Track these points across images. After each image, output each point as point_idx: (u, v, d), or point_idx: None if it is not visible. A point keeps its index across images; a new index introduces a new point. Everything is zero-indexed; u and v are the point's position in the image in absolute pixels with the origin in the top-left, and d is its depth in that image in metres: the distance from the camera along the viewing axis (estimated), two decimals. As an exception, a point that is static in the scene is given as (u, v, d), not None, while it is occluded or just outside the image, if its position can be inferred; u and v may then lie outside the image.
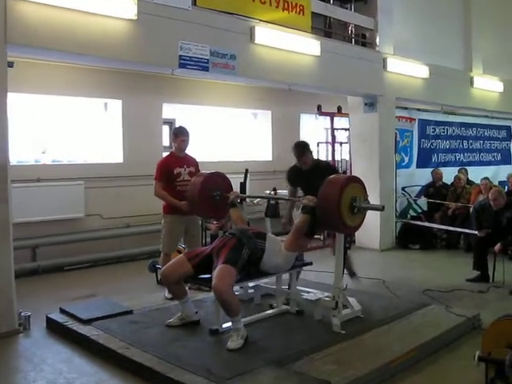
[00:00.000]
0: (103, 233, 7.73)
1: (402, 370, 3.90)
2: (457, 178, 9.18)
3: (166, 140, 8.62)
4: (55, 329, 4.65)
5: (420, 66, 9.24)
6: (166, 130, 8.74)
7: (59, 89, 7.45)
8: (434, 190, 9.28)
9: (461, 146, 10.63)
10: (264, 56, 6.86)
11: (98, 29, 5.27)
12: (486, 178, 8.68)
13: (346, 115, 9.25)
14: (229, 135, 9.91)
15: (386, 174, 8.63)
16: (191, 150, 5.88)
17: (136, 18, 5.50)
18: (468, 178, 9.48)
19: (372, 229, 7.99)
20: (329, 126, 9.67)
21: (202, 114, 9.43)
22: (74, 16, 5.08)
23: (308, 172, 5.43)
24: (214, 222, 6.62)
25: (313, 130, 11.02)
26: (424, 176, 9.61)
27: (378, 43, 8.74)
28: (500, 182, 10.14)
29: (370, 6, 8.65)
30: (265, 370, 3.63)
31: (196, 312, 4.58)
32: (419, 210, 9.47)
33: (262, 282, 5.09)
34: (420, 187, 9.61)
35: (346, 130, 9.55)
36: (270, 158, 10.23)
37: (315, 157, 9.94)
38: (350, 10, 8.80)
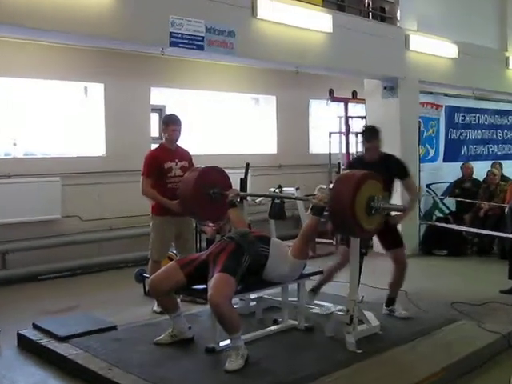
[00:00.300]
0: (83, 237, 7.73)
1: (426, 394, 3.89)
2: (490, 173, 9.16)
3: (154, 130, 8.62)
4: (28, 347, 4.64)
5: (448, 44, 9.22)
6: (154, 118, 8.74)
7: (31, 71, 7.45)
8: (464, 187, 9.26)
9: (495, 136, 10.61)
10: (267, 33, 6.84)
11: (76, 1, 5.26)
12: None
13: (362, 101, 9.25)
14: (227, 124, 9.91)
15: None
16: (184, 142, 5.88)
17: (120, -11, 5.50)
18: (503, 174, 9.46)
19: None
20: (342, 113, 9.66)
21: (197, 99, 9.43)
22: (49, -13, 5.09)
23: (374, 165, 5.08)
24: (210, 225, 6.63)
25: (324, 118, 11.01)
26: (452, 171, 9.59)
27: (399, 18, 8.72)
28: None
29: (390, -25, 8.68)
30: (268, 395, 3.63)
31: (189, 328, 4.57)
32: (446, 211, 9.46)
33: (266, 293, 5.08)
34: (447, 184, 9.59)
35: (361, 118, 9.55)
36: (274, 151, 10.24)
37: (327, 149, 10.12)
38: (367, -21, 8.82)
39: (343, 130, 9.72)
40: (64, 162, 7.72)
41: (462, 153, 9.96)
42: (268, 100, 10.32)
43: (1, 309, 5.71)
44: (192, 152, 5.89)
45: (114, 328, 4.84)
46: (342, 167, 9.63)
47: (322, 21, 7.39)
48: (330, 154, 10.08)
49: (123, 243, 7.96)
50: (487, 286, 6.54)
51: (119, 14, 5.57)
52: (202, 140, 9.25)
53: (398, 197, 7.58)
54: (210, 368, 4.08)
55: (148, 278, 5.27)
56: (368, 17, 8.73)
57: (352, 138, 9.61)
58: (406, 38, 8.63)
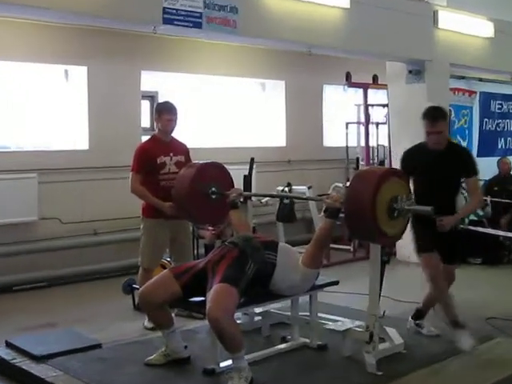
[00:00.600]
0: (63, 242, 7.75)
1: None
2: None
3: (145, 120, 8.64)
4: (0, 368, 4.64)
5: (482, 21, 9.20)
6: (145, 106, 8.76)
7: (3, 52, 7.46)
8: (501, 185, 9.25)
9: (537, 127, 10.60)
10: (275, 9, 6.85)
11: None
12: None
13: (384, 87, 9.24)
14: (229, 113, 9.92)
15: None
16: (179, 134, 5.89)
17: (106, -42, 5.52)
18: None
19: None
20: (361, 101, 9.65)
21: (194, 85, 9.44)
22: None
23: (439, 156, 4.95)
24: (209, 228, 6.64)
25: (340, 106, 11.01)
26: (487, 167, 9.54)
27: (426, -9, 8.72)
28: None
29: None
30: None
31: (185, 346, 4.57)
32: (481, 213, 9.43)
33: (273, 306, 5.08)
34: (482, 182, 9.57)
35: (383, 106, 9.56)
36: (283, 144, 10.26)
37: (343, 141, 10.11)
38: None
39: (362, 119, 9.72)
40: (41, 156, 7.72)
41: (499, 146, 9.96)
42: (276, 85, 10.32)
43: (-31, 324, 5.73)
44: (189, 145, 5.90)
45: (98, 346, 4.85)
46: (361, 163, 9.66)
47: (337, -6, 7.40)
48: (347, 147, 10.08)
49: (110, 249, 7.97)
50: (527, 299, 6.55)
51: (105, -13, 5.59)
52: (199, 131, 9.27)
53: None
54: (209, 392, 4.10)
55: (138, 289, 5.27)
56: (391, -10, 8.73)
57: (372, 128, 9.61)
58: (435, 15, 8.63)
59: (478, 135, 9.59)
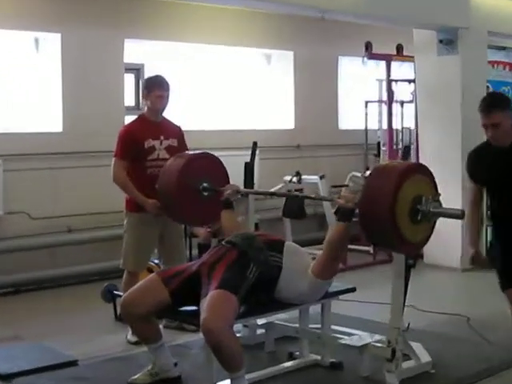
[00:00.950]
0: (32, 240, 7.75)
1: None
2: None
3: (130, 97, 8.65)
4: (-42, 388, 4.67)
5: (527, -18, 9.17)
6: (130, 80, 8.77)
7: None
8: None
9: None
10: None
11: None
12: None
13: (411, 59, 9.21)
14: (228, 90, 9.91)
15: (471, 152, 8.56)
16: (170, 114, 5.89)
17: None
18: None
19: (449, 237, 7.94)
20: (383, 75, 9.63)
21: (186, 56, 9.44)
22: None
23: (499, 155, 4.62)
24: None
25: (358, 81, 10.99)
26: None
27: None
28: None
29: None
30: None
31: (175, 364, 4.59)
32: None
33: (278, 317, 5.08)
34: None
35: (409, 82, 9.53)
36: (291, 126, 10.26)
37: (362, 123, 10.10)
38: None
39: (384, 97, 9.70)
40: (7, 140, 7.72)
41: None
42: (283, 57, 10.32)
43: None
44: (182, 127, 5.90)
45: (73, 363, 4.86)
46: (383, 148, 9.65)
47: None
48: (366, 130, 10.08)
49: (87, 249, 7.96)
50: None
51: None
52: (192, 111, 9.26)
53: (456, 188, 7.49)
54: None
55: (120, 296, 5.27)
56: None
57: (396, 108, 9.59)
58: (471, -26, 8.61)
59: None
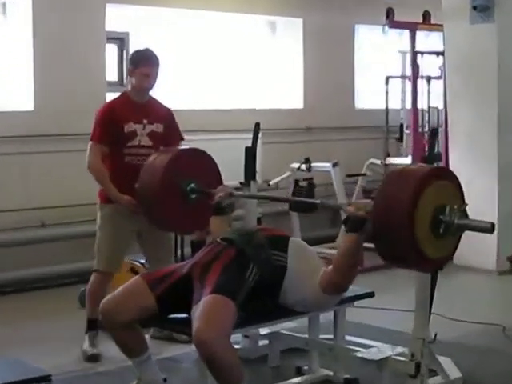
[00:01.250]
0: (1, 237, 7.72)
1: None
2: None
3: (112, 71, 8.65)
4: None
5: None
6: (112, 51, 8.75)
7: None
8: None
9: None
10: None
11: None
12: None
13: (439, 28, 9.18)
14: (226, 63, 9.94)
15: (510, 136, 8.60)
16: (158, 92, 5.87)
17: None
18: None
19: (482, 237, 7.89)
20: (407, 47, 9.60)
21: (178, 24, 9.46)
22: None
23: None
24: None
25: (378, 53, 10.98)
26: None
27: None
28: None
29: None
30: None
31: (164, 380, 4.57)
32: None
33: (284, 326, 5.08)
34: None
35: (437, 54, 9.51)
36: (299, 105, 10.29)
37: (382, 102, 10.06)
38: None
39: (408, 72, 9.68)
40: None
41: None
42: (290, 25, 10.35)
43: None
44: (172, 107, 5.86)
45: (46, 378, 4.82)
46: (406, 131, 9.64)
47: None
48: (387, 109, 10.11)
49: (63, 247, 7.95)
50: None
51: None
52: (185, 88, 9.30)
53: (492, 180, 7.46)
54: None
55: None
56: None
57: (422, 85, 9.56)
58: None
59: None
